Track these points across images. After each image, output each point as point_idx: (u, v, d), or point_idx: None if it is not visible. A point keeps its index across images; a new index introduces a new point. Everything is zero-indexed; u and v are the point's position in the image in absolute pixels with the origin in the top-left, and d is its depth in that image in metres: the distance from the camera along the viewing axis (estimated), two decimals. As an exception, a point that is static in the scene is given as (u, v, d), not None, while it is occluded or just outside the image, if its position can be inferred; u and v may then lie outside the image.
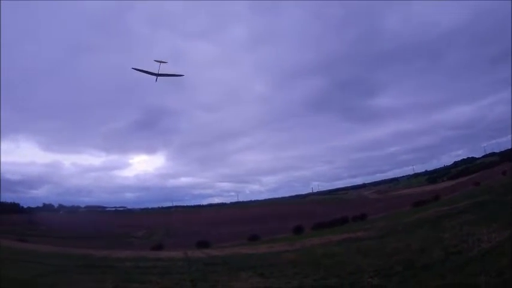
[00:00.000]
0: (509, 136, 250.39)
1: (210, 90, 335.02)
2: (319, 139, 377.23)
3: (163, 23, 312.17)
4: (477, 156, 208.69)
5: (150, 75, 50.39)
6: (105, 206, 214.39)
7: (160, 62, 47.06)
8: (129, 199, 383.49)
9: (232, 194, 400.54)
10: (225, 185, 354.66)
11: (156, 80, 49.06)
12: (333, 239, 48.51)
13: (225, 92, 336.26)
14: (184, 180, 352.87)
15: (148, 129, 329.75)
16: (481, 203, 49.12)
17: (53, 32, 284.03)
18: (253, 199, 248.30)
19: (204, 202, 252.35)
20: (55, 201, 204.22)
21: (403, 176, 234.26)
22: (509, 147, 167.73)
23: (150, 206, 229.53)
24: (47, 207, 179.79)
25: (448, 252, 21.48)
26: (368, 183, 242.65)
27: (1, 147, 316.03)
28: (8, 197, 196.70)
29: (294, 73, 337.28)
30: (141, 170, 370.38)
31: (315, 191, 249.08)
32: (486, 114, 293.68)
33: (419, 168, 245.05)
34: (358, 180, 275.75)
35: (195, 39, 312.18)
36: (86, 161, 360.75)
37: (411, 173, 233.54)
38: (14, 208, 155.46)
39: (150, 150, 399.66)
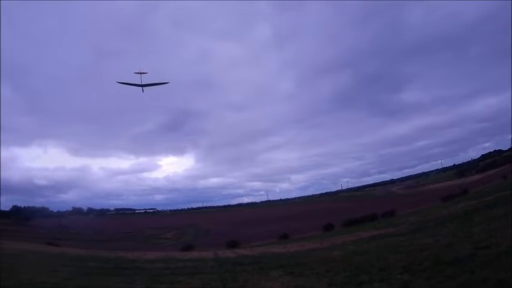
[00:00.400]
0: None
1: (237, 89, 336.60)
2: (347, 135, 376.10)
3: (187, 24, 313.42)
4: (504, 148, 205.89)
5: (137, 87, 50.47)
6: (134, 208, 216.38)
7: (141, 73, 47.27)
8: (159, 201, 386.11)
9: (262, 193, 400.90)
10: (255, 185, 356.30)
11: (142, 91, 49.21)
12: (363, 236, 48.35)
13: (252, 91, 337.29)
14: (213, 180, 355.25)
15: (176, 131, 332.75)
16: (509, 196, 48.54)
17: (78, 37, 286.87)
18: (283, 198, 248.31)
19: (234, 202, 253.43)
20: (84, 205, 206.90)
21: (432, 171, 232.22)
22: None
23: (180, 207, 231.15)
24: (77, 211, 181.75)
25: (476, 247, 21.33)
26: (396, 179, 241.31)
27: (29, 153, 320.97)
28: (37, 202, 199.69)
29: (320, 69, 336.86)
30: (170, 172, 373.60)
31: (344, 188, 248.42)
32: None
33: (448, 162, 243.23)
34: (387, 176, 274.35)
35: (220, 40, 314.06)
36: (115, 164, 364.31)
37: (439, 167, 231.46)
38: (43, 212, 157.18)
39: (179, 151, 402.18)
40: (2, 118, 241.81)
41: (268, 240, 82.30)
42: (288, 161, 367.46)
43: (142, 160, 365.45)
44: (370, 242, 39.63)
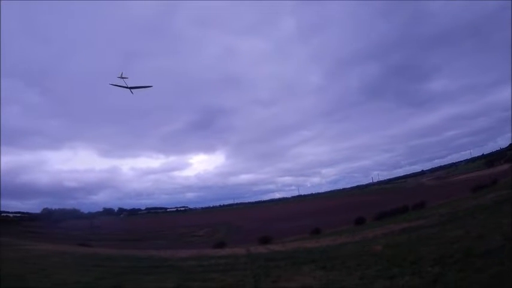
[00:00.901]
0: None
1: (265, 85, 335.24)
2: (376, 127, 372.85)
3: (210, 22, 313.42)
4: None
5: (127, 89, 50.73)
6: (166, 207, 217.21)
7: (122, 77, 47.46)
8: (190, 199, 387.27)
9: (293, 188, 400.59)
10: (286, 180, 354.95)
11: (132, 93, 49.47)
12: (394, 229, 48.07)
13: (279, 86, 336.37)
14: (244, 177, 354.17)
15: (206, 129, 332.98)
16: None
17: (104, 40, 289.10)
18: (314, 192, 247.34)
19: (265, 198, 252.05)
20: (115, 205, 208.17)
21: (461, 161, 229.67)
22: None
23: (211, 204, 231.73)
24: (107, 212, 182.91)
25: (507, 238, 21.18)
26: (426, 170, 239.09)
27: (59, 156, 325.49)
28: (68, 204, 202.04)
29: (346, 61, 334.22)
30: (201, 170, 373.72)
31: (375, 180, 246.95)
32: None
33: (476, 151, 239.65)
34: (417, 168, 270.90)
35: (246, 36, 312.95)
36: (145, 164, 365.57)
37: (468, 157, 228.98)
38: (74, 214, 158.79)
39: (209, 149, 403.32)
40: (31, 122, 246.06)
41: (300, 235, 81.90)
42: (318, 155, 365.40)
43: (173, 159, 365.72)
44: (401, 235, 39.42)
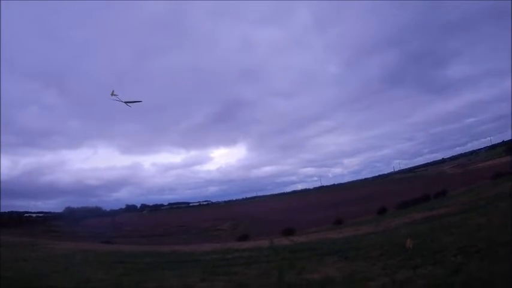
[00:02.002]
0: None
1: (284, 76, 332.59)
2: (397, 115, 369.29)
3: (226, 13, 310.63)
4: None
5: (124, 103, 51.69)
6: (188, 201, 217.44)
7: (113, 94, 47.98)
8: (213, 193, 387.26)
9: (315, 179, 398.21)
10: (308, 171, 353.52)
11: (130, 106, 50.05)
12: (416, 218, 47.88)
13: (299, 76, 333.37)
14: (266, 169, 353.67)
15: (226, 122, 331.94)
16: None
17: (120, 37, 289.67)
18: (336, 183, 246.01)
19: (288, 189, 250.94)
20: (138, 201, 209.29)
21: (481, 148, 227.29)
22: None
23: (234, 198, 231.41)
24: (130, 208, 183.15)
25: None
26: (447, 158, 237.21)
27: (79, 155, 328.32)
28: (90, 202, 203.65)
29: (366, 50, 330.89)
30: (223, 163, 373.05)
31: (396, 169, 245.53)
32: None
33: (497, 138, 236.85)
34: (438, 156, 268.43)
35: (262, 27, 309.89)
36: (166, 160, 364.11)
37: (489, 144, 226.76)
38: (96, 212, 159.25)
39: (230, 142, 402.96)
40: (50, 123, 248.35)
41: (323, 226, 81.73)
42: (339, 145, 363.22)
43: (194, 153, 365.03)
44: (424, 224, 39.25)
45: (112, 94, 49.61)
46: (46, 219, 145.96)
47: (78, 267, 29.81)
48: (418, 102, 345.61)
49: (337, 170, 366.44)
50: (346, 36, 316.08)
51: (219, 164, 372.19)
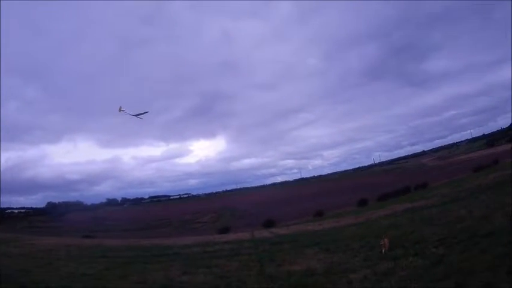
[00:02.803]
0: None
1: (264, 69, 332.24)
2: (378, 108, 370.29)
3: (205, 6, 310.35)
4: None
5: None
6: (169, 194, 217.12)
7: (121, 110, 48.59)
8: (193, 186, 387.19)
9: (295, 171, 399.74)
10: (288, 163, 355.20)
11: (141, 119, 50.59)
12: (396, 210, 48.19)
13: (279, 69, 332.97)
14: (246, 161, 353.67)
15: (206, 115, 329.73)
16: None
17: (99, 31, 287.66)
18: (316, 175, 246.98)
19: (268, 182, 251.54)
20: (118, 195, 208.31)
21: (462, 141, 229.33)
22: None
23: (214, 190, 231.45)
24: (111, 202, 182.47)
25: (510, 218, 21.07)
26: (428, 150, 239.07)
27: (59, 149, 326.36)
28: (71, 197, 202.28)
29: (346, 42, 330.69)
30: (202, 156, 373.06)
31: (376, 161, 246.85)
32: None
33: (477, 132, 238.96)
34: (419, 148, 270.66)
35: (243, 19, 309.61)
36: (146, 153, 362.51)
37: (469, 137, 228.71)
38: (78, 206, 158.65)
39: (210, 135, 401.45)
40: (30, 117, 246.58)
41: (303, 218, 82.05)
42: (319, 137, 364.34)
43: (174, 146, 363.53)
44: (404, 216, 39.48)
45: (120, 110, 50.03)
46: (28, 214, 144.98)
47: (61, 262, 29.58)
48: (399, 95, 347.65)
49: (317, 162, 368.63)
50: (326, 29, 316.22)
51: (198, 156, 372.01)
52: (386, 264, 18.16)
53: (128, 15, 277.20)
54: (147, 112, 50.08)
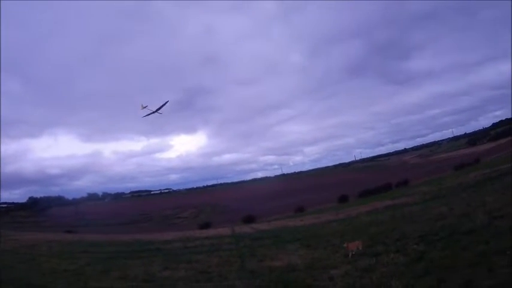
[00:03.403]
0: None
1: (247, 64, 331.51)
2: (360, 105, 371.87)
3: (191, 1, 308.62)
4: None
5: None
6: (150, 190, 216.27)
7: (143, 107, 49.09)
8: (174, 181, 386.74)
9: (276, 167, 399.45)
10: (268, 159, 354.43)
11: (161, 113, 51.05)
12: (377, 207, 48.46)
13: (261, 65, 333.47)
14: (227, 157, 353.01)
15: (187, 109, 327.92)
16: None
17: (81, 24, 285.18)
18: (296, 171, 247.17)
19: (248, 177, 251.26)
20: (99, 190, 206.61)
21: (443, 140, 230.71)
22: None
23: (194, 185, 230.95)
24: (92, 197, 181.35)
25: (491, 216, 21.27)
26: (409, 148, 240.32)
27: (40, 143, 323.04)
28: (52, 191, 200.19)
29: (329, 39, 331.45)
30: (183, 151, 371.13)
31: (357, 158, 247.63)
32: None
33: (459, 130, 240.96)
34: (400, 146, 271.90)
35: (226, 14, 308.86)
36: (127, 147, 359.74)
37: (451, 136, 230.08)
38: (59, 201, 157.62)
39: (191, 129, 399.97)
40: (12, 111, 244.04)
41: (284, 213, 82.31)
42: (300, 134, 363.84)
43: (154, 141, 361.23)
44: (385, 212, 39.76)
45: (142, 108, 50.17)
46: (10, 209, 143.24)
47: (43, 258, 29.46)
48: (381, 93, 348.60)
49: (298, 158, 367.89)
50: (309, 26, 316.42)
51: (179, 151, 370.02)
52: (367, 260, 18.19)
53: (111, 9, 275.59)
54: (167, 102, 50.38)
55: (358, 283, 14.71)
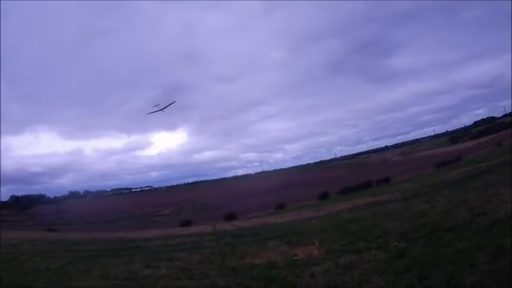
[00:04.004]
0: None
1: (227, 60, 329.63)
2: (341, 102, 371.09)
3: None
4: (497, 115, 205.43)
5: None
6: (131, 187, 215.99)
7: (156, 105, 50.70)
8: (155, 178, 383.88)
9: (257, 164, 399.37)
10: (249, 156, 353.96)
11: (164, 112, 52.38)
12: (358, 204, 48.68)
13: (242, 61, 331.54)
14: (207, 154, 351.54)
15: (167, 106, 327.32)
16: (504, 163, 48.81)
17: (59, 19, 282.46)
18: (277, 168, 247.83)
19: (229, 175, 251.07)
20: (81, 188, 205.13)
21: (425, 137, 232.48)
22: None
23: (175, 183, 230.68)
24: (73, 195, 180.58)
25: (473, 213, 21.50)
26: (390, 146, 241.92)
27: (21, 141, 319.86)
28: (34, 190, 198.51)
29: (311, 37, 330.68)
30: (163, 148, 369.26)
31: (338, 156, 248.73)
32: (506, 72, 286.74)
33: (440, 128, 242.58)
34: (381, 143, 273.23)
35: (206, 10, 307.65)
36: (107, 145, 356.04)
37: (432, 133, 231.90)
38: (41, 200, 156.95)
39: (171, 127, 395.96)
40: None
41: (265, 211, 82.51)
42: (281, 131, 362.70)
43: (135, 138, 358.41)
44: (366, 210, 39.97)
45: (155, 106, 50.76)
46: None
47: (25, 257, 29.27)
48: (362, 90, 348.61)
49: (279, 156, 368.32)
50: (291, 23, 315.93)
51: (160, 148, 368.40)
52: (348, 257, 18.27)
53: (90, 5, 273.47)
54: (174, 102, 51.41)
55: (340, 280, 14.73)
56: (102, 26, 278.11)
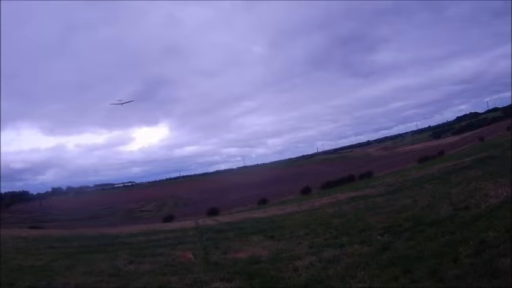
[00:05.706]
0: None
1: (208, 55, 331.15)
2: (322, 97, 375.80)
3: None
4: (480, 111, 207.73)
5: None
6: (113, 183, 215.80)
7: (119, 101, 52.47)
8: (137, 174, 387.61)
9: (239, 159, 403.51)
10: (231, 151, 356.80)
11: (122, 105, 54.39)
12: (341, 198, 48.80)
13: (223, 55, 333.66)
14: (189, 149, 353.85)
15: (148, 101, 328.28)
16: (486, 158, 49.32)
17: (42, 13, 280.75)
18: (259, 163, 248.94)
19: (211, 170, 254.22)
20: (63, 184, 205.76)
21: (407, 132, 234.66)
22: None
23: (157, 178, 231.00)
24: (56, 191, 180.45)
25: (456, 208, 21.81)
26: (373, 141, 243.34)
27: (3, 137, 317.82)
28: (16, 186, 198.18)
29: (293, 31, 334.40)
30: (145, 143, 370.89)
31: (320, 150, 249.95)
32: (489, 69, 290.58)
33: (423, 124, 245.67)
34: (363, 138, 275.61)
35: (189, 4, 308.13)
36: (89, 140, 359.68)
37: (415, 128, 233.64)
38: (24, 196, 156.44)
39: (153, 122, 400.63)
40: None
41: (247, 205, 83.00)
42: (263, 126, 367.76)
43: (116, 133, 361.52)
44: (348, 204, 40.11)
45: (119, 101, 51.84)
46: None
47: (9, 255, 29.04)
48: (344, 86, 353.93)
49: (261, 151, 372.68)
50: (273, 17, 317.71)
51: (141, 144, 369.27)
52: (332, 251, 18.36)
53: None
54: (132, 101, 52.31)
55: (323, 274, 14.80)
56: (84, 21, 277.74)
